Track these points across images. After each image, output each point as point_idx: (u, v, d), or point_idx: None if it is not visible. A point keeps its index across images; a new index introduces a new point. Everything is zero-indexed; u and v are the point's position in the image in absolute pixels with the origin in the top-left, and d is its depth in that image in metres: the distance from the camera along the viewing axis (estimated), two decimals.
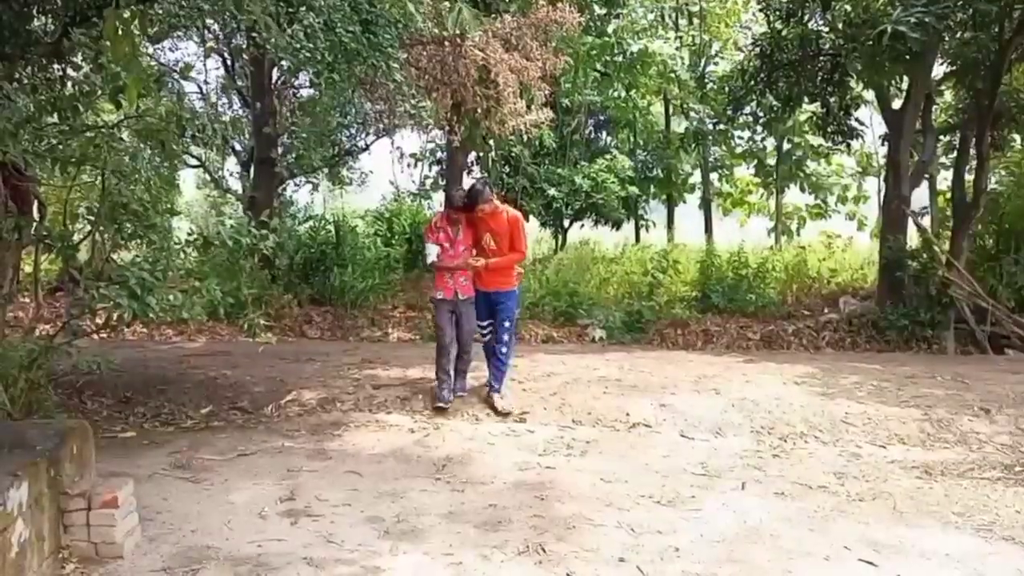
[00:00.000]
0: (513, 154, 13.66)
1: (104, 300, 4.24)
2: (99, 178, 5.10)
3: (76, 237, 5.13)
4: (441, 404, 5.74)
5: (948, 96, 12.18)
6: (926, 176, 11.77)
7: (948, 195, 11.62)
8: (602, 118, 17.72)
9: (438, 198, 14.58)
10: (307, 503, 4.04)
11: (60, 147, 4.64)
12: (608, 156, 15.83)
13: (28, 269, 6.86)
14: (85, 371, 5.59)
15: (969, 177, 10.23)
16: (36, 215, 5.30)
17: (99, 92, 4.88)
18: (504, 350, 5.89)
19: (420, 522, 3.80)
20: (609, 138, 18.21)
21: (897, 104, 10.39)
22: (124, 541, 3.36)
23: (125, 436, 5.29)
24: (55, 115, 4.78)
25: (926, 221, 12.31)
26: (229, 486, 4.28)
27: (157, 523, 3.71)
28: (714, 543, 3.59)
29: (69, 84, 5.04)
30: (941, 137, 11.92)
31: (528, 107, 8.92)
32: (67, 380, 5.83)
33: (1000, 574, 3.28)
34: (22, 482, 2.99)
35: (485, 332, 6.00)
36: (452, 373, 5.90)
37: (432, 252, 5.77)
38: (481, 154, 13.83)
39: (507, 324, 5.88)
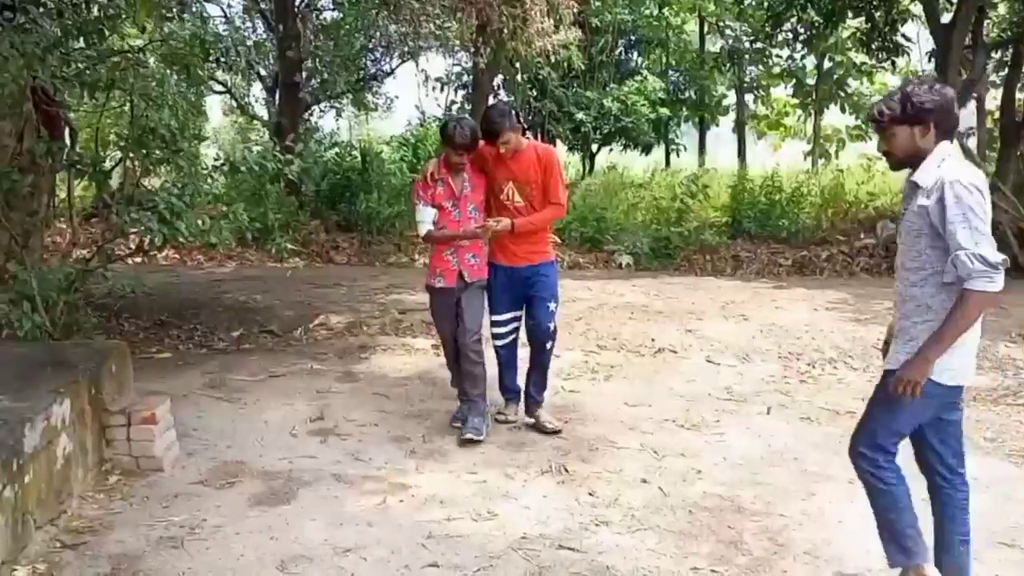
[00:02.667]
0: (540, 76, 13.27)
1: (136, 225, 4.30)
2: (127, 104, 5.08)
3: (108, 163, 5.15)
4: (457, 424, 4.06)
5: (1002, 9, 11.42)
6: (974, 95, 11.19)
7: (996, 115, 11.08)
8: (633, 38, 17.06)
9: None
10: (335, 423, 4.15)
11: (87, 72, 4.60)
12: (639, 77, 15.34)
13: (63, 195, 6.96)
14: (121, 295, 5.74)
15: (1020, 96, 9.73)
16: (67, 140, 5.31)
17: (123, 16, 4.80)
18: (550, 344, 4.08)
19: (445, 442, 3.88)
20: (640, 59, 17.58)
21: (946, 18, 9.79)
22: (163, 455, 3.51)
23: (161, 357, 5.45)
24: (81, 39, 4.73)
25: (972, 142, 11.80)
26: (261, 406, 4.41)
27: (194, 439, 3.85)
28: (737, 466, 3.62)
29: (94, 8, 4.96)
30: (992, 54, 11.26)
31: (556, 27, 8.60)
32: (104, 303, 5.98)
33: None
34: (64, 398, 3.11)
35: (505, 332, 4.10)
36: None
37: (427, 218, 3.88)
38: (507, 77, 13.48)
39: (551, 306, 4.00)
